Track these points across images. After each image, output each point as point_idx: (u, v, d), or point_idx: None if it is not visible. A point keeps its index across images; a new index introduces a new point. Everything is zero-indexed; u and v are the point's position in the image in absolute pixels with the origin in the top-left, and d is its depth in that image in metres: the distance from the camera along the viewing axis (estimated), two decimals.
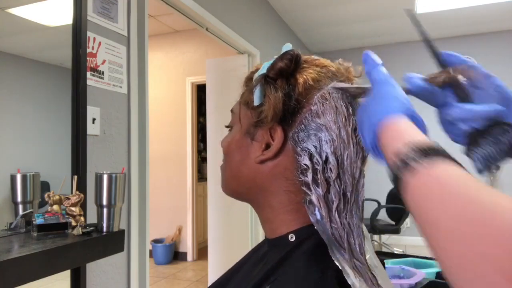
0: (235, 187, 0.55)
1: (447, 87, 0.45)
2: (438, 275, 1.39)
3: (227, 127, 0.58)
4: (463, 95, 0.44)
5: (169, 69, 4.69)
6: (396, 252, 4.31)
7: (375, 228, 4.07)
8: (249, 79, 0.55)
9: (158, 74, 4.66)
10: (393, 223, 4.32)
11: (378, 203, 4.44)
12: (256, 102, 0.50)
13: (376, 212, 4.07)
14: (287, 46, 0.51)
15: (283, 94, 0.48)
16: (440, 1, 3.84)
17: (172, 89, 4.64)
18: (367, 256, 0.48)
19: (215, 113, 3.29)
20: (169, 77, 4.67)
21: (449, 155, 0.32)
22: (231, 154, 0.55)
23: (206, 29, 2.73)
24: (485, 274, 0.24)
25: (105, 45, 1.63)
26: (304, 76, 0.49)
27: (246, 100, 0.53)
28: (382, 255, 1.71)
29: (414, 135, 0.35)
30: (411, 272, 1.30)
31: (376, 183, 4.92)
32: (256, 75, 0.52)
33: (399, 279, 1.29)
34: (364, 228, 0.51)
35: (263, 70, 0.51)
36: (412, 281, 1.23)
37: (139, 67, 1.85)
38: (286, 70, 0.49)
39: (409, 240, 5.08)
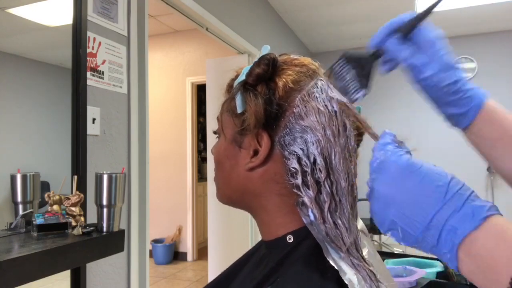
0: (229, 195, 0.55)
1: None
2: (439, 274, 1.39)
3: (214, 132, 0.59)
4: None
5: (169, 69, 4.69)
6: (396, 252, 4.31)
7: (375, 228, 4.07)
8: (230, 86, 0.55)
9: (158, 74, 4.66)
10: None
11: None
12: (238, 110, 0.49)
13: None
14: (266, 48, 0.50)
15: (263, 100, 0.47)
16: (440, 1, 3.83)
17: (172, 89, 4.64)
18: (365, 252, 0.48)
19: (215, 113, 3.26)
20: (169, 77, 4.67)
21: None
22: (221, 163, 0.55)
23: (206, 29, 2.73)
24: None
25: (105, 45, 1.63)
26: (284, 79, 0.49)
27: (229, 108, 0.53)
28: (382, 255, 1.71)
29: None
30: (413, 272, 1.30)
31: None
32: (235, 82, 0.52)
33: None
34: (361, 223, 0.51)
35: (242, 76, 0.50)
36: (412, 278, 1.23)
37: (139, 67, 1.85)
38: (264, 75, 0.48)
39: None
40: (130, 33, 1.78)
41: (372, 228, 4.08)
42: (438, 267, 1.41)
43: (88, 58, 1.51)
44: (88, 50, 1.52)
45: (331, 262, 0.45)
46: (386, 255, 1.78)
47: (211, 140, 3.31)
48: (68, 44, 1.22)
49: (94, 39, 1.57)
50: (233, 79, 0.54)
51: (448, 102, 0.55)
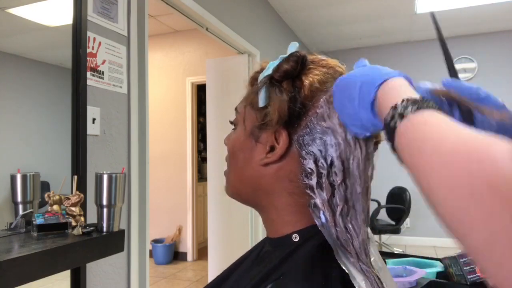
0: (240, 189, 0.55)
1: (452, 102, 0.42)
2: (439, 274, 1.39)
3: (231, 122, 0.57)
4: (467, 115, 0.40)
5: (169, 69, 4.69)
6: (396, 252, 4.31)
7: (375, 228, 4.07)
8: (254, 78, 0.54)
9: (158, 74, 4.66)
10: (393, 223, 4.32)
11: (378, 203, 4.44)
12: (261, 104, 0.49)
13: (376, 212, 4.07)
14: (294, 45, 0.50)
15: (288, 97, 0.47)
16: (440, 1, 3.84)
17: (172, 89, 4.64)
18: (372, 259, 0.48)
19: (215, 113, 3.28)
20: (169, 77, 4.67)
21: (439, 107, 0.35)
22: (235, 154, 0.54)
23: (206, 29, 2.73)
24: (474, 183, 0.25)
25: (105, 45, 1.63)
26: (310, 79, 0.48)
27: (251, 101, 0.52)
28: (382, 255, 1.71)
29: (407, 91, 0.38)
30: (413, 272, 1.30)
31: (376, 183, 4.91)
32: (261, 76, 0.51)
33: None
34: (369, 231, 0.51)
35: (268, 71, 0.50)
36: (412, 278, 1.23)
37: (139, 67, 1.85)
38: (292, 72, 0.48)
39: (409, 240, 5.08)
40: (130, 33, 1.78)
41: (372, 228, 4.08)
42: (438, 267, 1.41)
43: (88, 58, 1.51)
44: (88, 50, 1.52)
45: (342, 266, 0.45)
46: (386, 255, 1.78)
47: (211, 140, 3.31)
48: (68, 44, 1.22)
49: (94, 39, 1.57)
50: (258, 72, 0.53)
51: None
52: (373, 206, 4.34)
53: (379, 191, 4.66)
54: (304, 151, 0.47)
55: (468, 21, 4.37)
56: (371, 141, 0.48)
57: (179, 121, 4.58)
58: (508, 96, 4.49)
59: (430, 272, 1.37)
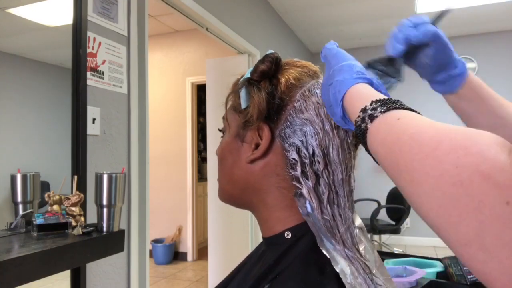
0: (230, 191, 0.57)
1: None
2: (439, 274, 1.39)
3: (220, 130, 0.60)
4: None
5: (169, 69, 4.69)
6: (396, 252, 4.31)
7: (375, 228, 4.07)
8: (235, 85, 0.57)
9: (158, 74, 4.66)
10: (393, 223, 4.32)
11: (378, 203, 4.44)
12: (243, 105, 0.52)
13: (376, 212, 4.07)
14: (269, 51, 0.53)
15: (266, 94, 0.50)
16: (440, 1, 3.84)
17: (172, 89, 4.64)
18: (361, 247, 0.49)
19: (215, 113, 3.29)
20: (169, 77, 4.67)
21: (409, 107, 0.35)
22: (224, 158, 0.57)
23: (206, 29, 2.73)
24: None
25: (105, 45, 1.63)
26: (286, 76, 0.51)
27: (233, 104, 0.56)
28: (382, 255, 1.71)
29: (375, 95, 0.39)
30: (413, 272, 1.30)
31: (376, 183, 4.92)
32: (240, 80, 0.54)
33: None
34: (359, 220, 0.52)
35: (247, 74, 0.53)
36: (412, 278, 1.23)
37: (139, 67, 1.85)
38: (267, 72, 0.51)
39: (409, 240, 5.08)
40: (130, 33, 1.78)
41: (372, 228, 4.08)
42: (438, 267, 1.41)
43: (88, 58, 1.51)
44: (88, 50, 1.52)
45: (324, 252, 0.46)
46: (386, 255, 1.78)
47: (211, 140, 3.31)
48: (68, 44, 1.22)
49: (94, 39, 1.57)
50: (239, 79, 0.56)
51: (439, 70, 0.60)
52: (373, 206, 4.34)
53: (379, 191, 4.66)
54: (286, 144, 0.50)
55: (468, 21, 4.37)
56: (350, 133, 0.50)
57: (179, 121, 4.58)
58: (508, 96, 4.47)
59: (430, 272, 1.37)
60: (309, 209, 0.48)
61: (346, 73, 0.44)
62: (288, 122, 0.50)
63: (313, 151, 0.48)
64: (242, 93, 0.52)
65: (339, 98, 0.42)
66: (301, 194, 0.48)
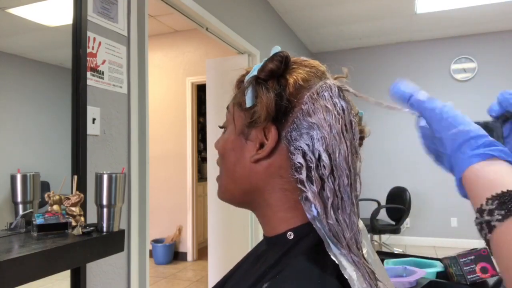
0: (232, 190, 0.55)
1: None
2: (439, 274, 1.39)
3: (221, 127, 0.59)
4: None
5: (169, 69, 4.69)
6: (396, 252, 4.31)
7: (375, 228, 4.07)
8: (240, 81, 0.56)
9: (158, 74, 4.66)
10: (393, 223, 4.32)
11: (378, 203, 4.44)
12: (248, 103, 0.51)
13: (376, 212, 4.07)
14: (276, 48, 0.52)
15: (274, 94, 0.49)
16: (440, 1, 3.84)
17: (172, 89, 4.64)
18: (364, 251, 0.49)
19: (215, 113, 3.28)
20: (169, 77, 4.67)
21: None
22: (226, 155, 0.55)
23: (206, 29, 2.73)
24: None
25: (105, 45, 1.63)
26: (294, 77, 0.50)
27: (239, 101, 0.54)
28: (382, 255, 1.71)
29: (499, 183, 0.38)
30: (413, 272, 1.30)
31: (376, 183, 4.92)
32: (247, 77, 0.53)
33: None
34: (361, 223, 0.52)
35: (253, 72, 0.51)
36: (412, 278, 1.23)
37: (139, 67, 1.85)
38: (276, 71, 0.50)
39: (409, 240, 5.08)
40: (130, 33, 1.78)
41: (372, 229, 4.08)
42: (438, 267, 1.41)
43: (88, 58, 1.51)
44: (88, 50, 1.52)
45: (332, 257, 0.45)
46: (386, 255, 1.78)
47: (211, 140, 3.31)
48: (68, 44, 1.22)
49: (94, 39, 1.57)
50: (244, 75, 0.55)
51: None
52: (373, 206, 4.34)
53: (379, 191, 4.66)
54: (292, 147, 0.49)
55: (468, 21, 4.37)
56: (357, 136, 0.50)
57: (179, 121, 4.58)
58: None
59: (430, 272, 1.37)
60: (315, 213, 0.47)
61: (463, 147, 0.42)
62: (295, 125, 0.49)
63: (319, 156, 0.47)
64: (249, 91, 0.51)
65: (457, 177, 0.42)
66: (307, 198, 0.48)
